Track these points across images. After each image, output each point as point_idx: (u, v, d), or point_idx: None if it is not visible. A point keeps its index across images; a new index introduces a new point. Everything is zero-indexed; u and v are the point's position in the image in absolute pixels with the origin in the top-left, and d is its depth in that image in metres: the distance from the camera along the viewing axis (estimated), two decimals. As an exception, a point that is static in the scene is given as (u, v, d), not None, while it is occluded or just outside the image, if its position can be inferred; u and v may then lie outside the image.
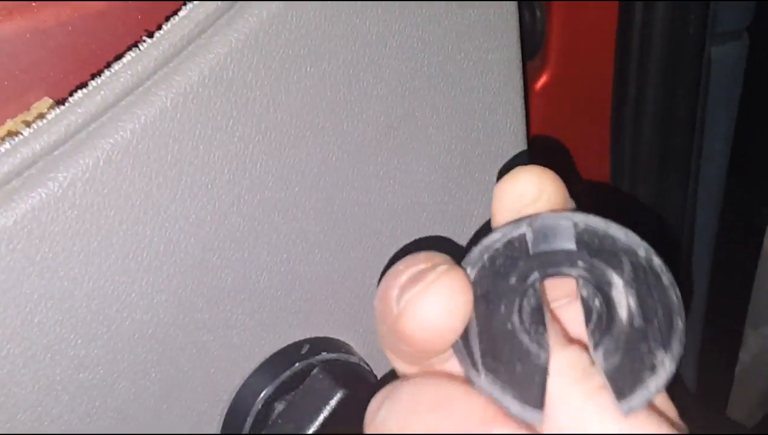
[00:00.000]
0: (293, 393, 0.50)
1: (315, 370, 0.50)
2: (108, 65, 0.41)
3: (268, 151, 0.46)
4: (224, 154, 0.44)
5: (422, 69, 0.51)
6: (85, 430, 0.45)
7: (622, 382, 0.32)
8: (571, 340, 0.34)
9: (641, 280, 0.33)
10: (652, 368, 0.32)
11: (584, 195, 0.72)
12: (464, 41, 0.52)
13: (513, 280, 0.34)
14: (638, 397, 0.32)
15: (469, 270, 0.34)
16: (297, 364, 0.50)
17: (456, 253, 0.35)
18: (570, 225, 0.34)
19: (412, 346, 0.33)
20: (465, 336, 0.33)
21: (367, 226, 0.52)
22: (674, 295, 0.33)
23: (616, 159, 0.71)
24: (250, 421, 0.50)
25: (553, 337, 0.33)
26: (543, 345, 0.33)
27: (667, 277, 0.33)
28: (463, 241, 0.56)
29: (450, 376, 0.34)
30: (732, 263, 0.85)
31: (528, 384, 0.32)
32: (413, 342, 0.32)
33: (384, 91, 0.49)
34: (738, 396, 0.97)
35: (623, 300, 0.33)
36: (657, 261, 0.34)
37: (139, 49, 0.42)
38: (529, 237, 0.34)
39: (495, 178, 0.56)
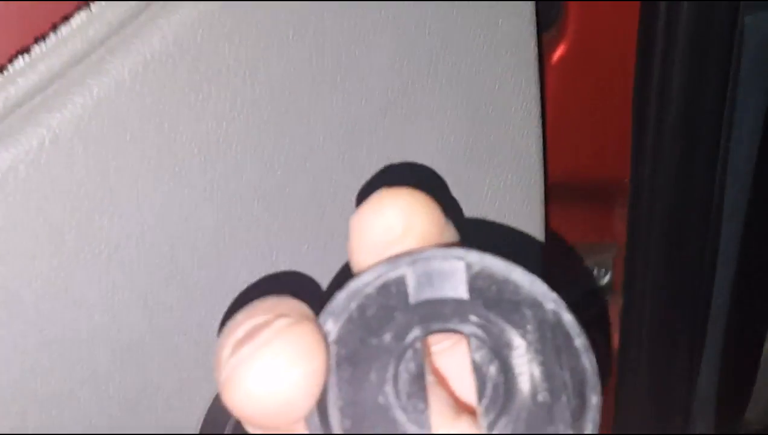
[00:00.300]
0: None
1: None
2: (54, 28, 0.37)
3: (245, 130, 0.42)
4: (194, 133, 0.40)
5: (424, 38, 0.47)
6: None
7: None
8: (459, 408, 0.28)
9: (548, 342, 0.28)
10: None
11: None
12: (472, 7, 0.48)
13: (388, 337, 0.28)
14: None
15: (330, 323, 0.28)
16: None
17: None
18: (462, 267, 0.28)
19: (245, 422, 0.27)
20: (323, 410, 0.27)
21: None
22: (588, 362, 0.27)
23: (638, 139, 0.67)
24: (229, 429, 0.46)
25: (436, 413, 0.27)
26: (424, 425, 0.27)
27: (579, 340, 0.28)
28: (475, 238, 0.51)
29: None
30: (762, 253, 0.80)
31: None
32: (243, 417, 0.26)
33: (381, 62, 0.45)
34: (760, 393, 0.93)
35: (525, 367, 0.27)
36: (568, 317, 0.28)
37: (91, 10, 0.37)
38: (410, 281, 0.28)
39: (505, 161, 0.52)
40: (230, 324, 0.27)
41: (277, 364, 0.25)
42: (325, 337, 0.27)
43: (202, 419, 0.46)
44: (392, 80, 0.46)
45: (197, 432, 0.46)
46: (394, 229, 0.28)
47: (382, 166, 0.47)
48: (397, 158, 0.48)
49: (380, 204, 0.28)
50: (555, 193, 0.62)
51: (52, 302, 0.39)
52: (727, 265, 0.73)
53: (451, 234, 0.30)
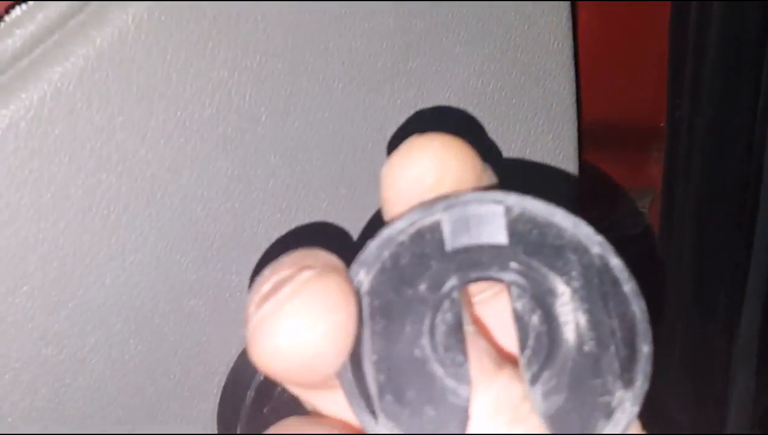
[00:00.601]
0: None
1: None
2: (51, -26, 0.35)
3: (259, 79, 0.39)
4: (204, 83, 0.38)
5: (449, -23, 0.44)
6: (54, 410, 0.40)
7: (568, 431, 0.25)
8: (502, 360, 0.27)
9: (594, 289, 0.26)
10: (608, 411, 0.25)
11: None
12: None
13: (423, 287, 0.26)
14: None
15: (362, 274, 0.26)
16: (305, 329, 0.44)
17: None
18: (500, 210, 0.26)
19: (277, 379, 0.25)
20: (357, 365, 0.26)
21: (380, 167, 0.44)
22: (638, 309, 0.26)
23: (675, 79, 0.65)
24: (251, 394, 0.44)
25: (475, 366, 0.26)
26: (462, 379, 0.25)
27: (629, 286, 0.26)
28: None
29: (344, 426, 0.27)
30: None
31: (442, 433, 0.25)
32: (271, 375, 0.25)
33: (404, 3, 0.43)
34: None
35: (570, 316, 0.26)
36: (615, 262, 0.26)
37: (90, -44, 0.35)
38: (446, 227, 0.27)
39: (537, 106, 0.50)
40: (257, 279, 0.26)
41: (300, 318, 0.24)
42: (353, 288, 0.26)
43: (221, 382, 0.45)
44: (415, 22, 0.44)
45: (217, 396, 0.45)
46: (426, 178, 0.27)
47: (407, 113, 0.45)
48: (421, 105, 0.46)
49: (411, 152, 0.27)
50: (588, 138, 0.60)
51: (60, 266, 0.37)
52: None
53: (489, 179, 0.28)
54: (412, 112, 0.45)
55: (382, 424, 0.25)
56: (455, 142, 0.27)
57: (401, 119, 0.45)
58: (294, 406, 0.42)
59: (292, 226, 0.43)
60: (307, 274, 0.25)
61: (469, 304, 0.29)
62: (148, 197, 0.38)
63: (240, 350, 0.44)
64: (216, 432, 0.45)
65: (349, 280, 0.26)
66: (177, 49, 0.36)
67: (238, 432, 0.44)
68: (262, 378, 0.44)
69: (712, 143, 0.65)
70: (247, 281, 0.43)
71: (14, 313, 0.37)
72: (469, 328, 0.27)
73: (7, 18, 0.34)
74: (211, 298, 0.42)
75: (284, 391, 0.44)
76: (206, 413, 0.45)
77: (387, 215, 0.28)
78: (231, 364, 0.44)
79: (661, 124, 0.65)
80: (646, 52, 0.65)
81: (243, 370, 0.44)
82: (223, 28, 0.37)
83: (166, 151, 0.38)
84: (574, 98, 0.53)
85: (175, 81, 0.37)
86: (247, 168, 0.40)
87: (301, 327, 0.24)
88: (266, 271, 0.26)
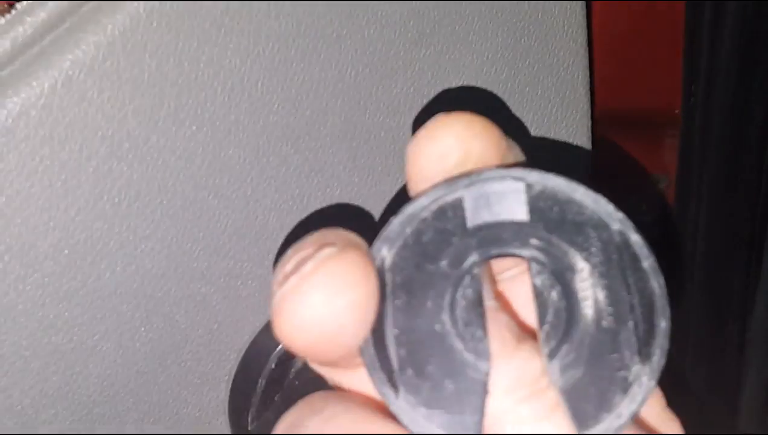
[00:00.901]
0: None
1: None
2: (63, -38, 0.34)
3: (270, 67, 0.39)
4: (216, 71, 0.37)
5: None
6: (64, 398, 0.39)
7: (584, 406, 0.25)
8: (523, 336, 0.27)
9: (614, 265, 0.26)
10: (625, 386, 0.25)
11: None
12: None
13: (444, 263, 0.27)
14: (604, 426, 0.25)
15: (385, 250, 0.27)
16: (315, 316, 0.44)
17: None
18: (521, 187, 0.27)
19: (297, 354, 0.26)
20: (379, 340, 0.26)
21: (393, 154, 0.45)
22: (657, 285, 0.26)
23: (690, 65, 0.64)
24: (262, 383, 0.44)
25: (496, 341, 0.26)
26: (482, 353, 0.26)
27: (648, 262, 0.26)
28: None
29: (367, 400, 0.27)
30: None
31: (461, 408, 0.25)
32: (296, 352, 0.26)
33: None
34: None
35: (589, 292, 0.26)
36: (635, 238, 0.26)
37: (102, -60, 0.34)
38: (467, 204, 0.27)
39: (551, 92, 0.49)
40: (281, 259, 0.26)
41: (322, 293, 0.25)
42: (374, 264, 0.26)
43: (232, 370, 0.45)
44: (428, 10, 0.43)
45: (228, 384, 0.45)
46: (450, 156, 0.27)
47: (419, 101, 0.45)
48: (431, 90, 0.45)
49: (436, 130, 0.28)
50: (603, 125, 0.60)
51: (71, 253, 0.37)
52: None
53: (516, 157, 0.29)
54: (424, 100, 0.45)
55: (403, 398, 0.26)
56: (480, 120, 0.28)
57: (414, 107, 0.44)
58: (305, 394, 0.42)
59: (304, 213, 0.43)
60: (328, 250, 0.25)
61: (492, 280, 0.29)
62: (159, 185, 0.38)
63: (251, 338, 0.44)
64: (226, 419, 0.45)
65: (370, 256, 0.26)
66: (188, 37, 0.36)
67: (248, 419, 0.44)
68: (273, 366, 0.44)
69: (727, 130, 0.64)
70: (257, 269, 0.42)
71: (25, 301, 0.36)
72: (491, 304, 0.27)
73: (18, 5, 0.34)
74: (222, 286, 0.42)
75: (295, 378, 0.44)
76: (217, 401, 0.44)
77: (412, 192, 0.28)
78: (242, 352, 0.44)
79: (676, 111, 0.65)
80: (661, 38, 0.65)
81: (254, 357, 0.44)
82: (235, 15, 0.37)
83: (177, 139, 0.37)
84: (587, 86, 0.53)
85: (186, 68, 0.36)
86: (259, 155, 0.40)
87: (323, 301, 0.25)
88: (289, 251, 0.26)
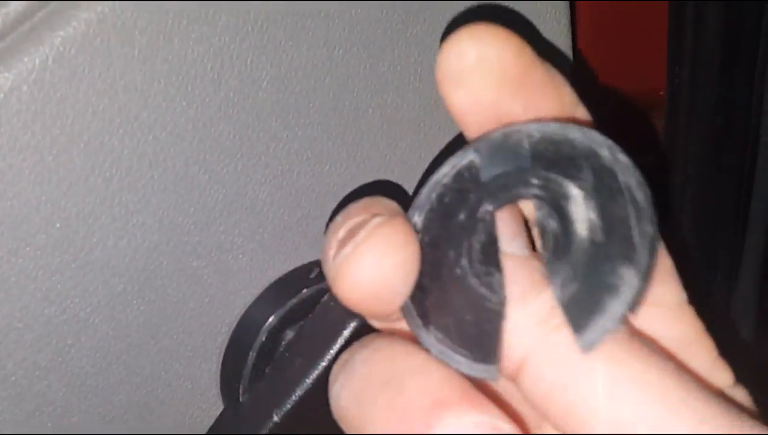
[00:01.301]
0: (301, 323, 0.45)
1: (326, 297, 0.44)
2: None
3: (260, 43, 0.39)
4: (206, 48, 0.38)
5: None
6: (57, 370, 0.40)
7: (579, 313, 0.27)
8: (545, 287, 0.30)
9: (604, 186, 0.28)
10: (612, 289, 0.27)
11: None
12: None
13: (462, 217, 0.30)
14: (595, 327, 0.27)
15: (416, 216, 0.31)
16: (305, 290, 0.46)
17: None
18: (522, 138, 0.30)
19: (357, 311, 0.30)
20: (415, 290, 0.30)
21: (387, 129, 0.45)
22: (642, 195, 0.28)
23: (675, 45, 0.64)
24: (253, 355, 0.45)
25: (516, 285, 0.29)
26: (494, 287, 0.29)
27: (634, 177, 0.28)
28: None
29: (412, 338, 0.31)
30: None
31: (480, 336, 0.28)
32: (354, 308, 0.29)
33: None
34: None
35: (582, 214, 0.28)
36: (623, 158, 0.28)
37: None
38: (479, 162, 0.30)
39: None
40: (331, 226, 0.30)
41: (376, 257, 0.28)
42: (413, 228, 0.30)
43: (224, 343, 0.45)
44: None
45: (220, 357, 0.45)
46: (466, 57, 0.30)
47: (407, 79, 0.45)
48: (421, 72, 0.46)
49: (458, 35, 0.30)
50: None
51: (63, 228, 0.37)
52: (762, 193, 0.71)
53: (545, 70, 0.31)
54: (412, 78, 0.45)
55: (433, 334, 0.29)
56: (496, 31, 0.30)
57: (401, 85, 0.45)
58: (296, 366, 0.43)
59: (293, 189, 0.43)
60: (377, 219, 0.29)
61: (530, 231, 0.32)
62: (150, 160, 0.38)
63: (243, 311, 0.45)
64: (218, 391, 0.46)
65: (410, 223, 0.30)
66: (179, 14, 0.36)
67: (240, 391, 0.45)
68: (263, 339, 0.44)
69: (712, 110, 0.65)
70: (248, 243, 0.43)
71: (17, 274, 0.37)
72: (525, 252, 0.30)
73: (9, -18, 0.34)
74: (214, 260, 0.42)
75: (285, 350, 0.44)
76: (209, 373, 0.45)
77: (443, 95, 0.31)
78: (233, 325, 0.45)
79: (661, 93, 0.65)
80: (646, 19, 0.65)
81: (245, 330, 0.45)
82: (224, -7, 0.37)
83: (168, 114, 0.38)
84: (570, 67, 0.53)
85: (177, 45, 0.37)
86: (248, 132, 0.41)
87: (377, 263, 0.28)
88: (338, 219, 0.30)
